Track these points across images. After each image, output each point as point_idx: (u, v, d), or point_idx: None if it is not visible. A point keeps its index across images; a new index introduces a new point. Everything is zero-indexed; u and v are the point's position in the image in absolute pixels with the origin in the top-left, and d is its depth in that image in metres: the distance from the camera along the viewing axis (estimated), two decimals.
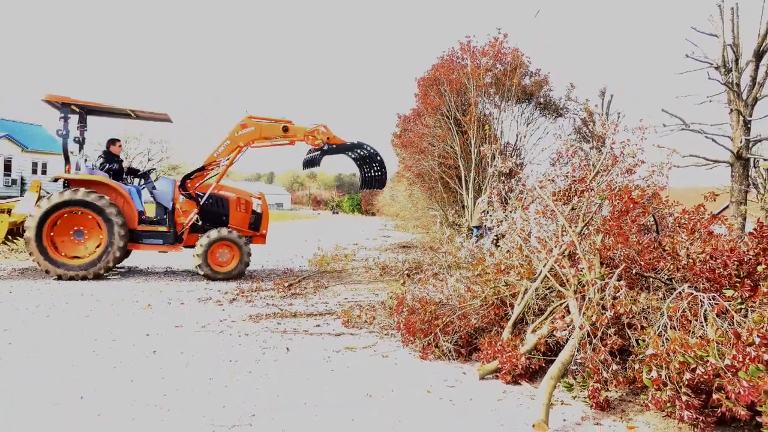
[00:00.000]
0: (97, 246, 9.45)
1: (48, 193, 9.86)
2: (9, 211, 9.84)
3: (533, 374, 4.87)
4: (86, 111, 10.34)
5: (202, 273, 9.77)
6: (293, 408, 4.05)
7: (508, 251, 6.51)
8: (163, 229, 10.00)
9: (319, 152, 10.42)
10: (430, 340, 5.51)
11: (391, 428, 3.76)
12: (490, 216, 6.92)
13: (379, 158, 10.83)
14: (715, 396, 3.62)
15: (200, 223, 10.28)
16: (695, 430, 3.77)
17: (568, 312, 4.98)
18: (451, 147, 17.30)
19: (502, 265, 6.21)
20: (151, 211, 10.54)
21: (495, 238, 7.61)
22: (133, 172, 10.84)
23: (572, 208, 6.22)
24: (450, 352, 5.38)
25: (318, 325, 6.63)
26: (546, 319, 5.31)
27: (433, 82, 17.44)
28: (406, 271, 10.27)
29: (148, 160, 44.42)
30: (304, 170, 12.19)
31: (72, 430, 3.57)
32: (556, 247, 5.66)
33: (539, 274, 5.64)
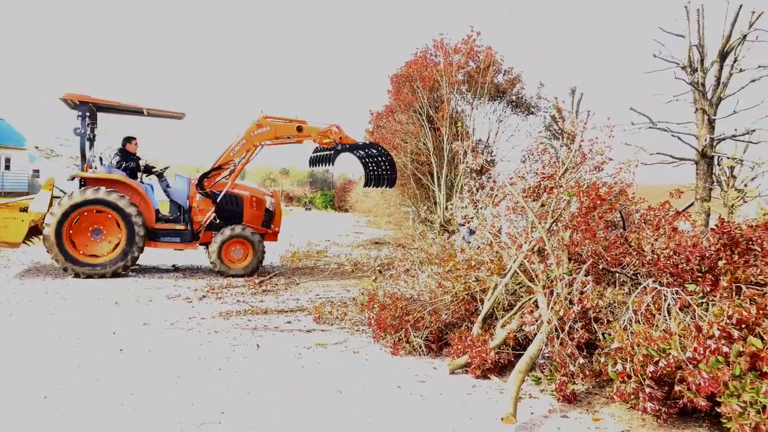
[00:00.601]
0: (116, 245, 9.47)
1: (63, 192, 9.90)
2: (26, 210, 9.71)
3: (502, 368, 4.92)
4: (98, 108, 10.23)
5: (216, 269, 9.89)
6: (263, 405, 4.03)
7: (479, 247, 6.56)
8: (181, 227, 10.04)
9: (332, 151, 10.51)
10: (401, 335, 5.53)
11: (360, 424, 3.77)
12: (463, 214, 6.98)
13: (389, 158, 10.98)
14: (677, 388, 3.71)
15: (218, 221, 10.34)
16: (658, 420, 3.87)
17: (537, 307, 5.05)
18: (424, 144, 17.35)
19: (472, 261, 6.26)
20: (162, 210, 10.49)
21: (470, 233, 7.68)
22: (148, 170, 10.76)
23: (542, 205, 6.30)
24: (420, 347, 5.41)
25: (289, 322, 6.60)
26: (515, 314, 5.38)
27: (406, 78, 17.44)
28: (378, 268, 10.27)
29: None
30: (311, 167, 12.23)
31: (33, 431, 3.50)
32: (525, 243, 5.73)
33: (509, 270, 5.70)
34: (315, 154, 11.11)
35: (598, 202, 5.14)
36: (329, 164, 10.74)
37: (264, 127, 10.15)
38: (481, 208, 6.59)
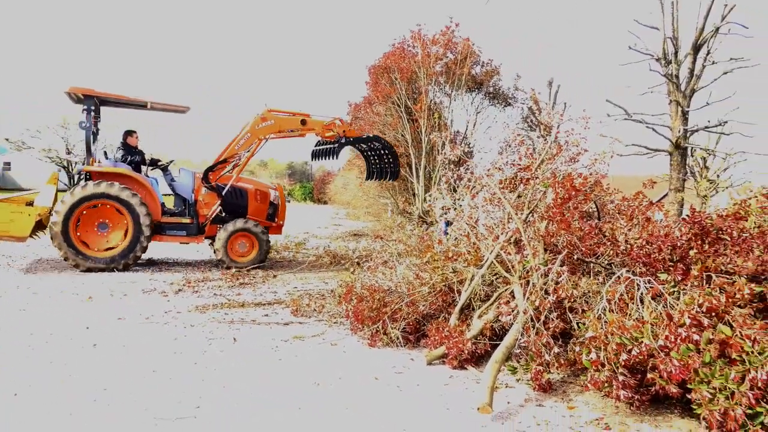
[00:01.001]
0: (122, 239, 9.45)
1: (66, 185, 9.64)
2: (31, 204, 9.65)
3: (479, 359, 4.96)
4: (101, 102, 10.13)
5: (225, 266, 9.91)
6: (239, 398, 4.01)
7: (456, 238, 6.58)
8: (186, 220, 10.07)
9: (336, 145, 10.53)
10: (378, 327, 5.53)
11: (338, 416, 3.77)
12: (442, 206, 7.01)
13: (392, 151, 11.02)
14: (649, 375, 3.77)
15: (223, 214, 10.34)
16: (631, 408, 3.93)
17: (514, 297, 5.08)
18: (402, 135, 17.33)
19: (450, 252, 6.28)
20: (167, 203, 10.47)
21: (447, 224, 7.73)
22: (153, 163, 10.65)
23: (518, 196, 6.33)
24: (398, 339, 5.42)
25: (266, 315, 6.56)
26: (492, 304, 5.41)
27: (384, 70, 17.37)
28: (356, 260, 10.26)
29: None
30: (312, 161, 12.17)
31: (3, 429, 3.43)
32: (502, 234, 5.76)
33: (486, 261, 5.73)
34: (317, 148, 11.10)
35: (573, 193, 5.18)
36: (333, 157, 10.77)
37: (268, 121, 10.17)
38: (459, 199, 6.61)
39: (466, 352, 4.81)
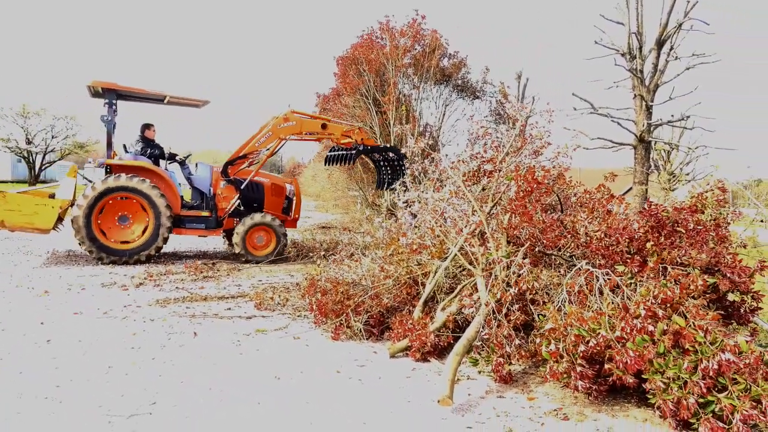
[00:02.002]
0: (143, 231, 9.50)
1: (89, 180, 10.03)
2: (53, 197, 9.68)
3: (442, 351, 4.96)
4: (119, 96, 10.03)
5: (243, 259, 10.04)
6: (197, 394, 3.94)
7: (416, 227, 6.58)
8: (206, 214, 10.19)
9: (353, 152, 10.63)
10: (342, 320, 5.50)
11: (297, 410, 3.73)
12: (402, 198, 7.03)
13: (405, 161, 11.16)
14: (606, 366, 3.82)
15: (242, 208, 10.47)
16: (589, 398, 3.99)
17: (477, 290, 5.10)
18: (370, 127, 17.28)
19: (414, 245, 6.28)
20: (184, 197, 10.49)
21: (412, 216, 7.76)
22: (171, 157, 10.61)
23: (483, 189, 6.36)
24: (361, 332, 5.40)
25: (229, 308, 6.47)
26: (455, 297, 5.42)
27: (352, 61, 17.28)
28: (323, 252, 10.20)
29: (52, 137, 41.33)
30: (326, 165, 12.44)
31: None
32: (466, 226, 5.78)
33: (450, 254, 5.74)
34: (333, 153, 11.19)
35: (535, 185, 5.21)
36: (348, 163, 10.91)
37: (291, 122, 10.33)
38: (423, 191, 6.61)
39: (429, 344, 4.81)
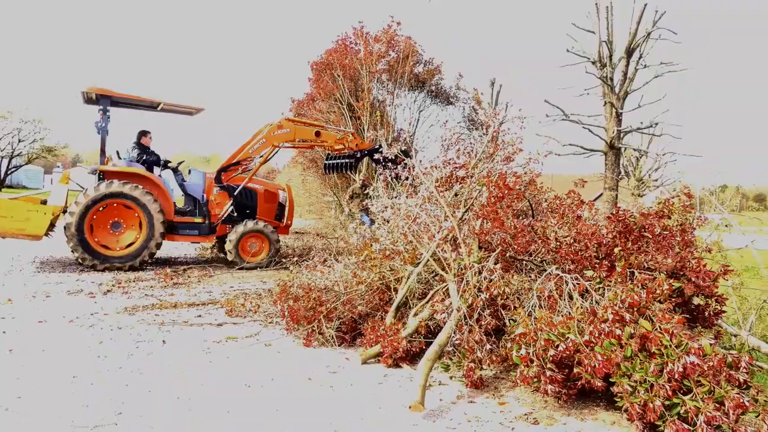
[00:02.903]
0: (135, 238, 9.42)
1: (81, 186, 9.92)
2: (45, 203, 9.56)
3: (414, 357, 4.96)
4: (113, 103, 9.92)
5: (237, 267, 10.05)
6: (165, 403, 3.86)
7: (390, 233, 6.59)
8: (199, 220, 10.16)
9: (352, 159, 10.71)
10: (314, 327, 5.46)
11: (268, 418, 3.69)
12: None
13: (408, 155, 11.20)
14: (575, 370, 3.86)
15: (235, 214, 10.42)
16: (559, 402, 4.02)
17: (449, 295, 5.12)
18: None
19: (387, 251, 6.28)
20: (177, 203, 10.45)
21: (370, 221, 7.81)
22: (164, 164, 10.52)
23: (455, 194, 6.39)
24: (333, 338, 5.36)
25: (199, 315, 6.38)
26: (427, 302, 5.43)
27: (327, 66, 17.24)
28: (296, 258, 10.15)
29: (19, 141, 40.42)
30: (326, 173, 12.51)
31: None
32: (438, 232, 5.80)
33: (422, 259, 5.75)
34: (331, 162, 11.23)
35: (506, 191, 5.26)
36: (350, 171, 11.08)
37: (285, 129, 10.42)
38: (396, 197, 6.62)
39: (401, 350, 4.80)
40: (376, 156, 11.21)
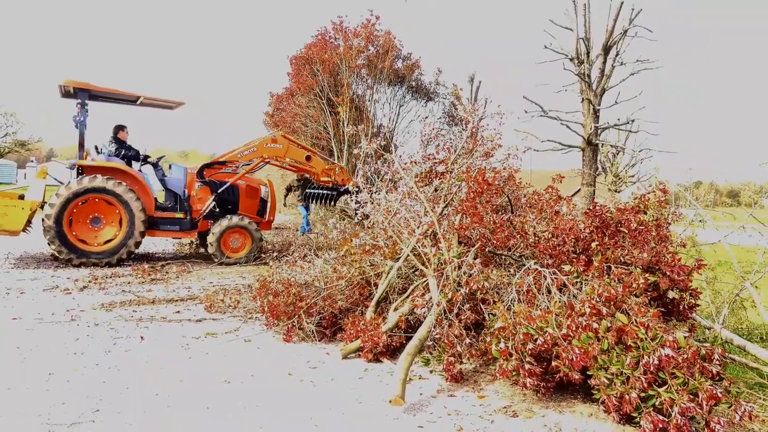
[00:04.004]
0: (115, 233, 9.30)
1: (59, 181, 9.70)
2: (23, 198, 9.39)
3: (394, 351, 4.98)
4: (92, 97, 9.74)
5: (216, 261, 9.96)
6: (143, 400, 3.83)
7: (369, 228, 6.59)
8: (180, 215, 10.01)
9: (335, 192, 10.64)
10: (294, 322, 5.45)
11: (247, 413, 3.67)
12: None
13: None
14: (554, 363, 3.91)
15: (217, 210, 10.31)
16: (537, 395, 4.07)
17: (429, 290, 5.14)
18: (324, 127, 17.22)
19: (367, 246, 6.29)
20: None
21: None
22: (144, 159, 10.31)
23: (435, 190, 6.42)
24: (313, 333, 5.36)
25: (178, 312, 6.32)
26: (407, 297, 5.45)
27: (306, 61, 17.17)
28: (275, 253, 10.12)
29: None
30: (304, 202, 12.41)
31: None
32: (418, 227, 5.82)
33: (402, 254, 5.77)
34: (314, 191, 11.17)
35: (485, 187, 5.30)
36: (330, 203, 10.90)
37: (278, 144, 10.43)
38: (376, 192, 6.62)
39: (382, 344, 4.82)
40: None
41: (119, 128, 10.12)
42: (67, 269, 8.83)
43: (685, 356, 3.43)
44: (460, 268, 5.00)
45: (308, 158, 10.63)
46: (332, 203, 10.81)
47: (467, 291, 4.76)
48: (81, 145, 9.55)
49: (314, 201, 11.23)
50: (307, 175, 11.06)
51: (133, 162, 10.13)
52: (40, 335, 5.23)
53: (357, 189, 8.84)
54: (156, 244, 12.70)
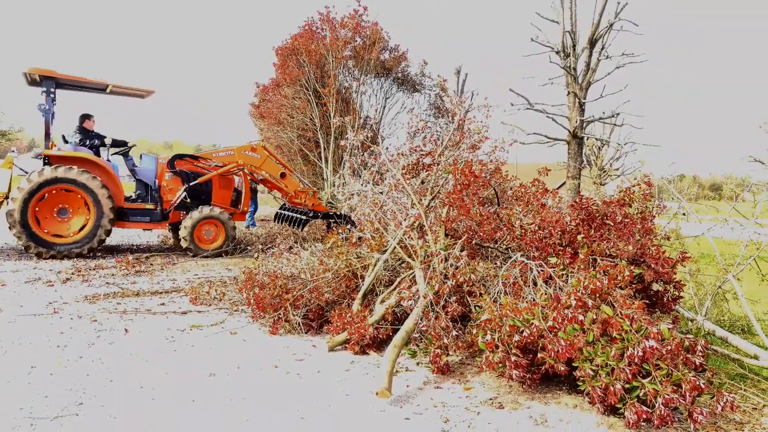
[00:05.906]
0: (83, 225, 9.10)
1: (25, 171, 9.48)
2: None
3: (381, 343, 4.98)
4: (59, 85, 9.52)
5: (192, 254, 9.77)
6: (127, 393, 3.79)
7: (356, 223, 6.58)
8: (150, 206, 9.83)
9: (305, 217, 10.46)
10: (280, 314, 5.43)
11: (233, 406, 3.66)
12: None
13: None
14: (540, 355, 3.93)
15: (189, 200, 10.13)
16: (523, 386, 4.10)
17: (415, 282, 5.15)
18: (311, 119, 17.12)
19: (354, 238, 6.27)
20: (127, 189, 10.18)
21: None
22: (116, 144, 10.09)
23: (422, 182, 6.41)
24: (299, 325, 5.35)
25: (163, 304, 6.27)
26: (394, 289, 5.45)
27: (292, 52, 17.02)
28: (261, 246, 10.07)
29: None
30: (275, 222, 12.05)
31: None
32: (405, 219, 5.81)
33: (389, 246, 5.76)
34: (285, 213, 11.00)
35: (472, 179, 5.30)
36: (298, 228, 10.61)
37: (256, 154, 10.37)
38: (362, 184, 6.60)
39: (368, 337, 4.81)
40: (331, 222, 10.89)
41: (85, 117, 9.92)
42: (49, 261, 8.72)
43: (669, 348, 3.46)
44: (446, 260, 5.00)
45: (283, 175, 10.54)
46: (300, 228, 10.56)
47: (454, 283, 4.77)
48: (47, 135, 9.39)
49: (285, 222, 10.97)
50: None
51: (102, 152, 9.98)
52: (22, 328, 5.17)
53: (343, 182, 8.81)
54: (141, 236, 12.60)
